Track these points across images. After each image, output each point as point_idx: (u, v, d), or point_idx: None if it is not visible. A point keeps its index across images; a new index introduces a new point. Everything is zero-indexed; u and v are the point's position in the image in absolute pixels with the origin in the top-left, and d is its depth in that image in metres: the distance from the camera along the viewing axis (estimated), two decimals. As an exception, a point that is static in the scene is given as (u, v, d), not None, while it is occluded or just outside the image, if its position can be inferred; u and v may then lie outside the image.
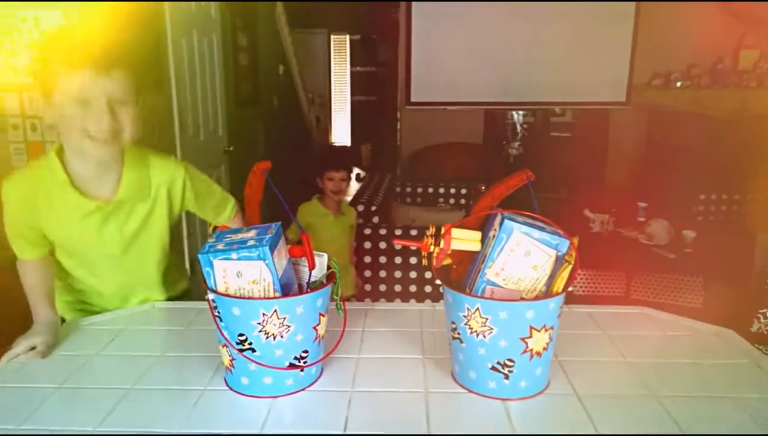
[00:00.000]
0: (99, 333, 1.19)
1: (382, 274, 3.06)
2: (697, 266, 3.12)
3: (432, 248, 0.95)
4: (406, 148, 5.11)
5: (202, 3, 3.31)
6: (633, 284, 3.29)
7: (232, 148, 3.69)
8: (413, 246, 0.97)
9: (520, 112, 5.36)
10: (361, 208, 3.12)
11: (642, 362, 1.06)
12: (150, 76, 2.59)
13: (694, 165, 4.25)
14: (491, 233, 0.93)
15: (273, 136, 5.10)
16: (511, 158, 5.63)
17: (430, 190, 4.28)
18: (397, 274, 3.09)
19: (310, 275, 1.01)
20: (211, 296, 0.93)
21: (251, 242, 0.91)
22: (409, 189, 4.28)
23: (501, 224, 0.90)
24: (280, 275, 0.93)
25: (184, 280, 1.50)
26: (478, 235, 0.96)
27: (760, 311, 1.88)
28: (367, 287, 3.08)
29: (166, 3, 2.80)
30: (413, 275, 3.15)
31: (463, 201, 4.24)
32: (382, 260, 3.04)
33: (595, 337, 1.17)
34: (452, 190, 4.26)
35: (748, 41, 4.56)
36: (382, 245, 3.03)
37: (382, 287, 3.09)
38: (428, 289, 3.04)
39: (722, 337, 1.16)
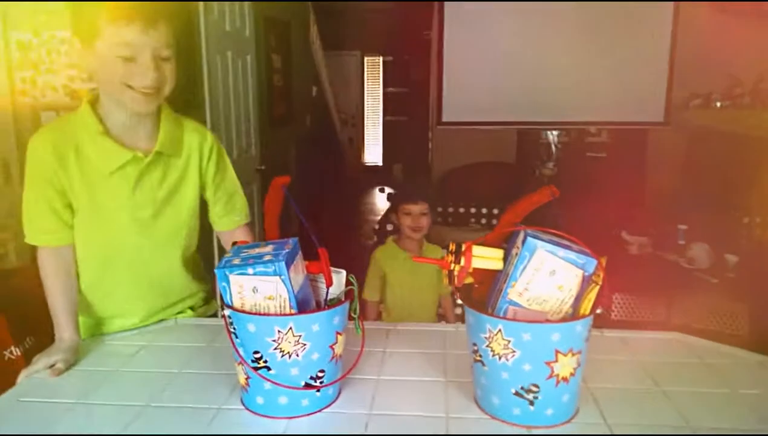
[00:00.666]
0: (120, 349, 1.19)
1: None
2: (741, 291, 3.00)
3: (453, 266, 0.92)
4: (438, 167, 5.08)
5: (237, 23, 3.38)
6: (673, 309, 3.17)
7: (264, 168, 3.72)
8: (434, 264, 0.94)
9: (554, 132, 5.29)
10: (390, 227, 3.10)
11: (678, 391, 0.99)
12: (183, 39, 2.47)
13: (736, 187, 4.11)
14: (514, 251, 0.89)
15: (305, 155, 5.14)
16: (545, 179, 5.54)
17: (462, 209, 4.23)
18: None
19: (327, 292, 0.99)
20: (226, 311, 0.92)
21: (267, 257, 0.90)
22: (440, 209, 4.24)
23: (524, 241, 0.86)
24: (296, 291, 0.91)
25: (206, 283, 1.46)
26: (500, 253, 0.93)
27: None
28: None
29: (202, 22, 2.86)
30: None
31: (494, 221, 4.18)
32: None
33: (627, 363, 1.11)
34: (484, 210, 4.21)
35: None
36: (411, 265, 2.99)
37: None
38: (458, 311, 2.98)
39: (765, 366, 1.09)
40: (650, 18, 4.56)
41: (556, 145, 5.56)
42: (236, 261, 0.92)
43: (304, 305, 0.94)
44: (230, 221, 1.37)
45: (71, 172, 1.16)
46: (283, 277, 0.89)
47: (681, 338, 1.23)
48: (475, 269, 0.92)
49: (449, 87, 4.85)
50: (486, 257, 0.92)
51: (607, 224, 4.02)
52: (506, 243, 0.94)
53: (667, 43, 4.62)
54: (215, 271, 0.92)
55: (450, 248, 0.91)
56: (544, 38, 4.68)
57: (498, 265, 0.92)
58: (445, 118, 4.90)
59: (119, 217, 1.21)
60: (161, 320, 1.34)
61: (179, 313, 1.38)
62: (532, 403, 0.87)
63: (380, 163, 8.48)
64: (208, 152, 1.30)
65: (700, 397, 0.98)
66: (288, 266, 0.89)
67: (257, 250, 0.95)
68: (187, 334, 1.29)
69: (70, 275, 1.21)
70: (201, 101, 2.95)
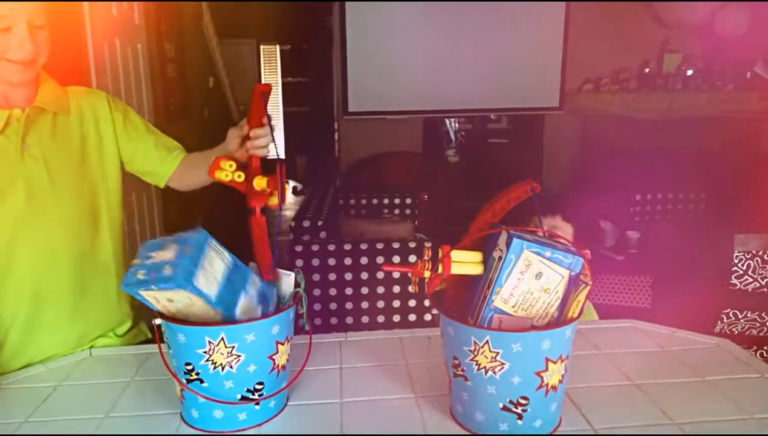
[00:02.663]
0: (25, 394, 0.99)
1: (333, 292, 2.92)
2: (644, 266, 3.17)
3: (427, 273, 0.83)
4: (346, 159, 4.98)
5: (125, 7, 3.07)
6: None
7: (162, 165, 3.43)
8: (405, 272, 0.85)
9: (458, 120, 5.36)
10: (307, 223, 2.97)
11: (651, 384, 0.97)
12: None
13: (626, 166, 4.36)
14: (496, 254, 0.82)
15: (204, 150, 4.84)
16: (451, 166, 5.63)
17: (375, 201, 4.17)
18: (348, 291, 2.95)
19: (276, 290, 0.88)
20: (157, 320, 0.83)
21: (167, 270, 0.79)
22: (353, 201, 4.15)
23: (508, 243, 0.79)
24: (215, 293, 0.81)
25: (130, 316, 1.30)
26: (479, 256, 0.85)
27: (724, 311, 1.88)
28: (317, 306, 2.93)
29: (86, 5, 2.56)
30: (365, 290, 3.02)
31: (408, 211, 4.16)
32: (332, 277, 2.90)
33: (592, 358, 1.09)
34: (397, 201, 4.17)
35: (671, 45, 4.74)
36: (332, 262, 2.89)
37: (333, 305, 2.95)
38: (396, 303, 2.91)
39: (722, 348, 1.11)
40: (546, 8, 4.72)
41: (458, 133, 5.65)
42: (141, 274, 0.81)
43: (233, 293, 0.84)
44: (174, 158, 1.26)
45: None
46: (189, 288, 0.79)
47: (635, 325, 1.22)
48: (450, 275, 0.84)
49: (353, 77, 4.75)
50: (465, 263, 0.84)
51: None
52: (483, 245, 0.87)
53: (560, 32, 4.80)
54: (122, 287, 0.83)
55: (426, 254, 0.82)
56: (446, 28, 4.70)
57: (478, 269, 0.84)
58: (351, 109, 4.80)
59: (14, 193, 1.07)
60: (76, 350, 1.15)
61: (99, 337, 1.20)
62: (520, 416, 0.81)
63: (283, 156, 8.23)
64: (107, 109, 1.20)
65: (675, 389, 0.96)
66: (191, 275, 0.79)
67: (160, 254, 0.83)
68: (105, 367, 1.10)
69: None
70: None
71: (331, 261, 2.89)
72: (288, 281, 0.92)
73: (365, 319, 2.99)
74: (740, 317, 1.86)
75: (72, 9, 2.49)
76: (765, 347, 1.89)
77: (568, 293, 0.81)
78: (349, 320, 2.97)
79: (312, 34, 6.66)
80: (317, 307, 2.94)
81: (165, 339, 0.85)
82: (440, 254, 0.82)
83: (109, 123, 1.19)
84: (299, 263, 2.86)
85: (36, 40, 1.05)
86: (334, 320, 2.96)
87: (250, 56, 7.72)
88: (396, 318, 2.88)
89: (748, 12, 4.01)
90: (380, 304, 2.95)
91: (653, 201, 4.21)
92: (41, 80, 1.13)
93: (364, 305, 2.99)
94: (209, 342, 0.81)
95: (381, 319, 2.97)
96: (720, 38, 4.22)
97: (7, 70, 1.04)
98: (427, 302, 2.74)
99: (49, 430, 0.88)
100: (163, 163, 1.25)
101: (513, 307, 0.80)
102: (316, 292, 2.91)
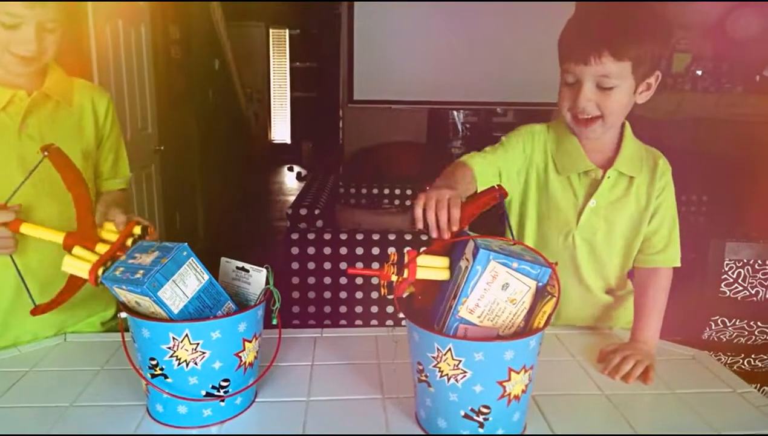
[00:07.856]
0: (-6, 378, 1.00)
1: (327, 281, 2.92)
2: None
3: (394, 277, 0.82)
4: (349, 147, 4.97)
5: (129, -10, 3.05)
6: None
7: (162, 148, 3.44)
8: (371, 275, 0.84)
9: (462, 112, 5.32)
10: (304, 211, 2.97)
11: (621, 395, 0.97)
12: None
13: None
14: (462, 263, 0.81)
15: (208, 133, 4.84)
16: (455, 158, 5.60)
17: (375, 190, 4.16)
18: (343, 280, 2.95)
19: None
20: (123, 314, 0.84)
21: (139, 274, 0.80)
22: (353, 190, 4.14)
23: (475, 253, 0.78)
24: (177, 309, 0.82)
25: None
26: (445, 262, 0.84)
27: (713, 318, 1.87)
28: (311, 294, 2.93)
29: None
30: (359, 281, 3.03)
31: (408, 202, 4.14)
32: (327, 266, 2.90)
33: (566, 364, 1.08)
34: (397, 191, 4.16)
35: (680, 45, 4.67)
36: (327, 251, 2.88)
37: (327, 294, 2.95)
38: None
39: (698, 360, 1.10)
40: (555, 5, 4.66)
41: (464, 126, 5.61)
42: (119, 271, 0.84)
43: (200, 313, 0.85)
44: (112, 184, 1.32)
45: None
46: (153, 298, 0.80)
47: (615, 332, 1.22)
48: (418, 280, 0.83)
49: (360, 65, 4.72)
50: (431, 268, 0.83)
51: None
52: (451, 251, 0.86)
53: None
54: (101, 279, 0.87)
55: (392, 259, 0.82)
56: (454, 20, 4.66)
57: (444, 275, 0.84)
58: (356, 97, 4.78)
59: (7, 170, 1.09)
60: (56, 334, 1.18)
61: (83, 321, 1.23)
62: (482, 425, 0.80)
63: (288, 141, 8.22)
64: (104, 110, 1.25)
65: (644, 401, 0.96)
66: (158, 284, 0.80)
67: (141, 257, 0.85)
68: (77, 354, 1.09)
69: None
70: (89, 75, 2.64)
71: (327, 250, 2.89)
72: (258, 277, 0.92)
73: (359, 309, 3.00)
74: (729, 324, 1.84)
75: (73, -12, 2.47)
76: (752, 356, 1.87)
77: (535, 303, 0.80)
78: (343, 309, 2.98)
79: (322, 18, 6.61)
80: (311, 295, 2.95)
81: (131, 333, 0.85)
82: (406, 259, 0.81)
83: (103, 122, 1.24)
84: (295, 250, 2.87)
85: (42, 41, 1.05)
86: (327, 309, 2.97)
87: (259, 39, 7.69)
88: (389, 309, 2.88)
89: (760, 14, 3.95)
90: (374, 295, 2.95)
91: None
92: (50, 69, 1.15)
93: (359, 295, 3.00)
94: (173, 338, 0.81)
95: (374, 309, 2.98)
96: (731, 40, 4.16)
97: (9, 61, 1.06)
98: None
99: (12, 417, 0.89)
100: (106, 181, 1.30)
101: (479, 317, 0.80)
102: (311, 280, 2.91)
